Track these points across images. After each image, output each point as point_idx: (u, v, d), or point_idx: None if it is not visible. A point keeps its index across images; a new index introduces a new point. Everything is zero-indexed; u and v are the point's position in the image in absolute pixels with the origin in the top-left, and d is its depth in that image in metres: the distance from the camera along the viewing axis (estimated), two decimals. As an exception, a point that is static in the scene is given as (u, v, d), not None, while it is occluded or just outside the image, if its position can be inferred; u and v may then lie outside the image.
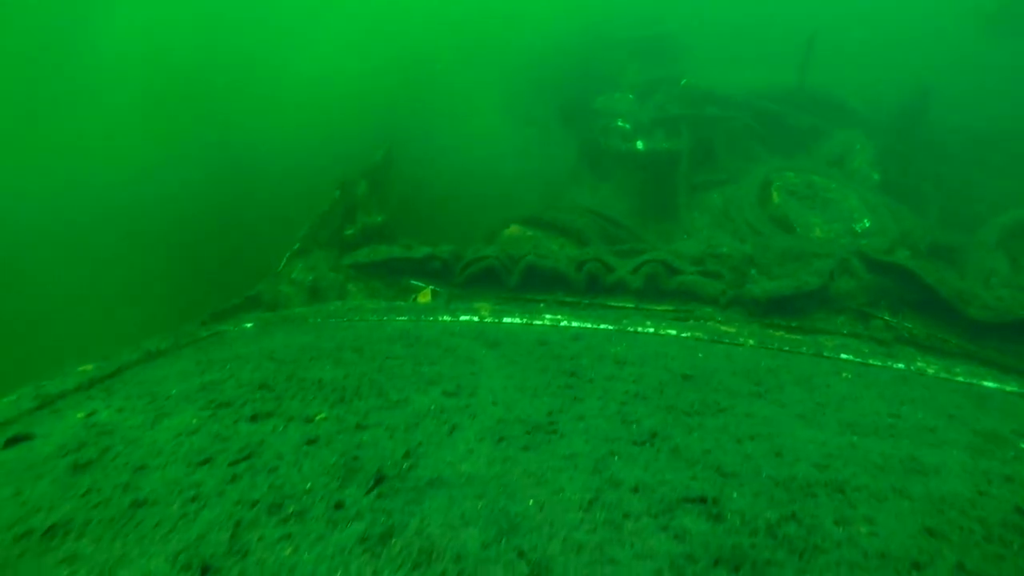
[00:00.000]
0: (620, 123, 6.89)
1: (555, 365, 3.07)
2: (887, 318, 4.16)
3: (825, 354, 3.76)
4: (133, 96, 6.38)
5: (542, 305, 4.39)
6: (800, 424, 2.49)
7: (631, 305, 4.27)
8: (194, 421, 2.24)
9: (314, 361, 3.05)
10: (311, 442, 2.09)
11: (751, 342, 3.86)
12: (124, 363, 3.29)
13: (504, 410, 2.41)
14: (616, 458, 2.03)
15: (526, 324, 4.03)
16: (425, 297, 4.53)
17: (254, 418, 2.26)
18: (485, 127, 6.75)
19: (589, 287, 4.36)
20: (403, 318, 4.21)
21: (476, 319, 4.16)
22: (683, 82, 7.16)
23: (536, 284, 4.49)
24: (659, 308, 4.23)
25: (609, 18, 7.85)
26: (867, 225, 5.59)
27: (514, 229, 5.31)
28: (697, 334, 3.91)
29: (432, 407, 2.42)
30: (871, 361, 3.72)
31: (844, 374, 3.35)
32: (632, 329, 3.97)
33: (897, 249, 5.57)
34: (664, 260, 4.26)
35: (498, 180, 6.53)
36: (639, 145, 6.80)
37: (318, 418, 2.26)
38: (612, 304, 4.30)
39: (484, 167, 6.56)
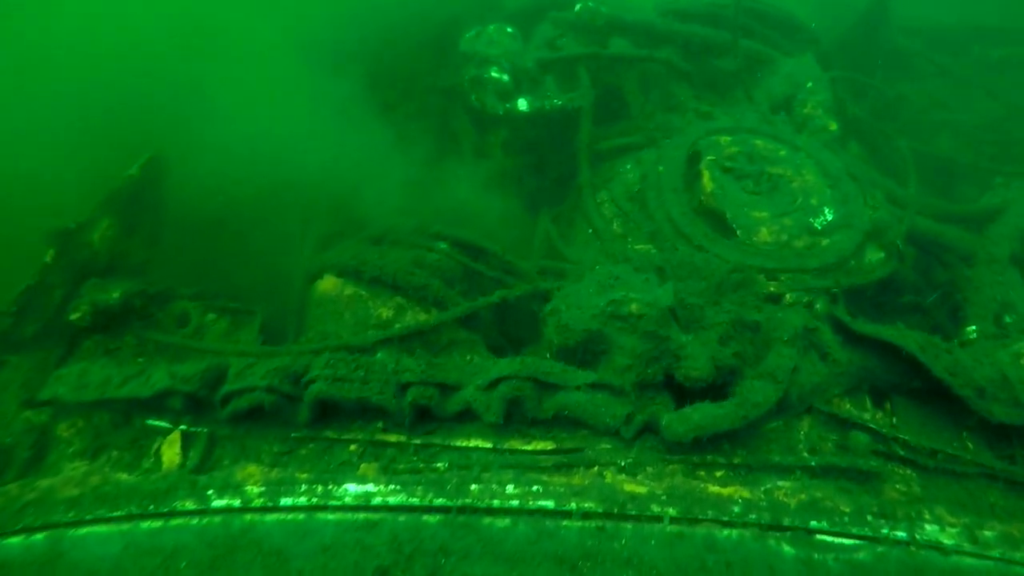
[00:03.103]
0: (495, 73, 4.96)
1: None
2: (871, 424, 2.75)
3: (785, 523, 2.40)
4: None
5: (352, 448, 2.80)
6: None
7: (488, 445, 2.73)
8: None
9: None
10: None
11: (671, 512, 2.44)
12: None
13: None
14: None
15: (309, 517, 2.48)
16: (172, 450, 2.85)
17: None
18: (306, 106, 4.73)
19: (419, 419, 2.77)
20: (117, 514, 2.58)
21: (237, 503, 2.57)
22: (578, 7, 5.18)
23: (341, 413, 2.87)
24: (529, 449, 2.69)
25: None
26: (830, 218, 4.06)
27: (328, 284, 3.55)
28: (588, 505, 2.45)
29: None
30: (854, 530, 2.40)
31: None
32: (484, 504, 2.47)
33: (868, 248, 4.12)
34: (532, 375, 2.65)
35: (334, 180, 4.65)
36: (522, 105, 4.95)
37: None
38: (456, 444, 2.74)
39: (315, 166, 4.65)
